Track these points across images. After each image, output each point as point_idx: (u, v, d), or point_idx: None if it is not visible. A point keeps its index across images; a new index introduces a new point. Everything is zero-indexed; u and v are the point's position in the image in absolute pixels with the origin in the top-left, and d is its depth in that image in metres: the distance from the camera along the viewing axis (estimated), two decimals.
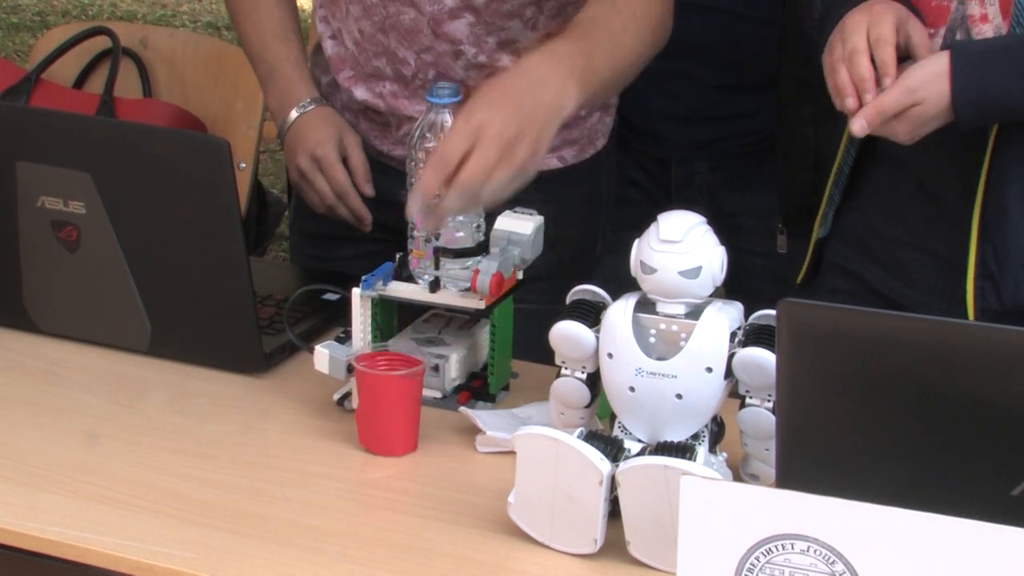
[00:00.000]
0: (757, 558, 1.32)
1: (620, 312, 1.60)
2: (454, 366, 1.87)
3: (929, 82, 1.75)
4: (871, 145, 2.00)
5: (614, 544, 1.54)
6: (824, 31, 1.87)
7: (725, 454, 1.63)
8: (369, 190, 2.18)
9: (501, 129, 1.71)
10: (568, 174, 2.19)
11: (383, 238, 2.21)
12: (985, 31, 1.79)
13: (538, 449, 1.54)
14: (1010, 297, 1.84)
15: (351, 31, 2.17)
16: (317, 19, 2.26)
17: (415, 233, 1.86)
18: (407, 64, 2.14)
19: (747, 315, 1.63)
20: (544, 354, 1.71)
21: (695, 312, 1.58)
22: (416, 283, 1.85)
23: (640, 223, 1.67)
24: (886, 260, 1.99)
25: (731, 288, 2.51)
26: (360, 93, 2.20)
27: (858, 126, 1.77)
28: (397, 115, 2.18)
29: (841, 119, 1.87)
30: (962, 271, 1.87)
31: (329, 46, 2.24)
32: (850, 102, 1.77)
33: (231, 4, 2.30)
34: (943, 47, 1.80)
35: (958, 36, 1.81)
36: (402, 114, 2.18)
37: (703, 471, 1.45)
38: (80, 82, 2.77)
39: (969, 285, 1.85)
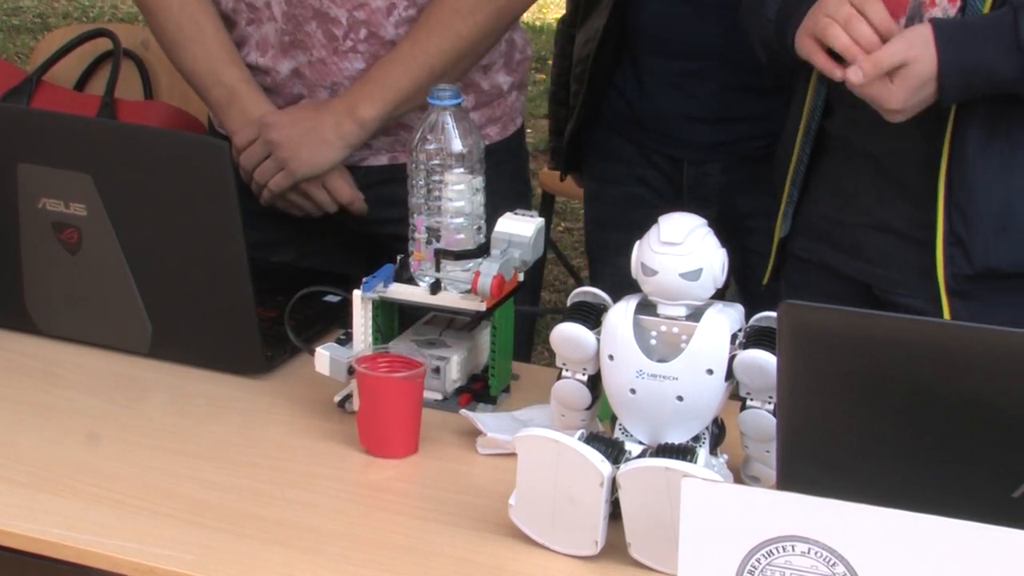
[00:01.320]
0: (758, 560, 1.32)
1: (621, 314, 1.60)
2: (455, 368, 1.86)
3: (918, 45, 1.78)
4: (821, 140, 2.03)
5: (615, 546, 1.54)
6: (786, 25, 1.90)
7: (726, 456, 1.63)
8: (360, 206, 2.26)
9: (269, 136, 2.20)
10: (494, 152, 2.22)
11: (318, 231, 2.30)
12: (935, 14, 1.82)
13: (539, 451, 1.54)
14: (980, 259, 1.87)
15: (279, 1, 2.19)
16: (228, 11, 2.27)
17: (415, 235, 1.86)
18: (339, 24, 2.17)
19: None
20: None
21: (696, 314, 1.58)
22: (417, 285, 1.85)
23: (650, 224, 1.67)
24: (848, 245, 2.03)
25: (740, 288, 2.52)
26: (285, 67, 2.23)
27: (854, 73, 1.79)
28: (324, 86, 2.21)
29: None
30: (927, 243, 1.90)
31: (249, 32, 2.25)
32: (863, 60, 1.78)
33: (169, 29, 2.28)
34: None
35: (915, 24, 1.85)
36: (330, 82, 2.20)
37: (704, 473, 1.45)
38: (81, 84, 2.77)
39: (939, 253, 1.87)
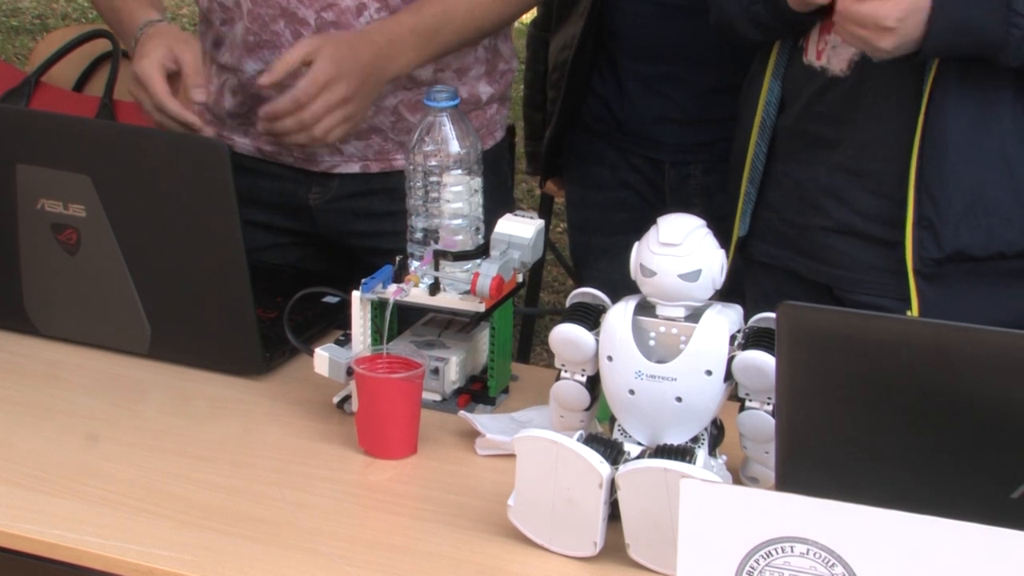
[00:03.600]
0: (757, 561, 1.32)
1: (620, 315, 1.60)
2: (454, 369, 1.87)
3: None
4: (773, 143, 2.05)
5: (614, 547, 1.54)
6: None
7: (725, 457, 1.63)
8: (199, 95, 2.08)
9: (344, 90, 2.03)
10: None
11: (297, 240, 2.29)
12: None
13: (538, 452, 1.54)
14: (950, 242, 1.89)
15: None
16: (204, 11, 2.25)
17: (414, 236, 1.86)
18: (307, 25, 2.15)
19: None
20: None
21: (695, 315, 1.58)
22: (416, 286, 1.85)
23: (633, 227, 1.68)
24: (808, 247, 2.03)
25: (723, 290, 2.52)
26: (251, 67, 2.19)
27: None
28: (292, 87, 2.15)
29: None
30: (889, 239, 1.92)
31: (224, 32, 2.23)
32: None
33: None
34: None
35: None
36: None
37: (703, 474, 1.45)
38: (80, 85, 2.77)
39: (908, 236, 1.89)
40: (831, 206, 1.99)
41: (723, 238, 1.61)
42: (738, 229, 2.11)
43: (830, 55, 1.94)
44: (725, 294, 1.73)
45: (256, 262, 1.92)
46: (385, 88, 2.15)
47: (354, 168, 2.23)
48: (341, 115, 2.03)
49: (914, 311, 1.91)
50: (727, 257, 2.09)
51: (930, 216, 1.88)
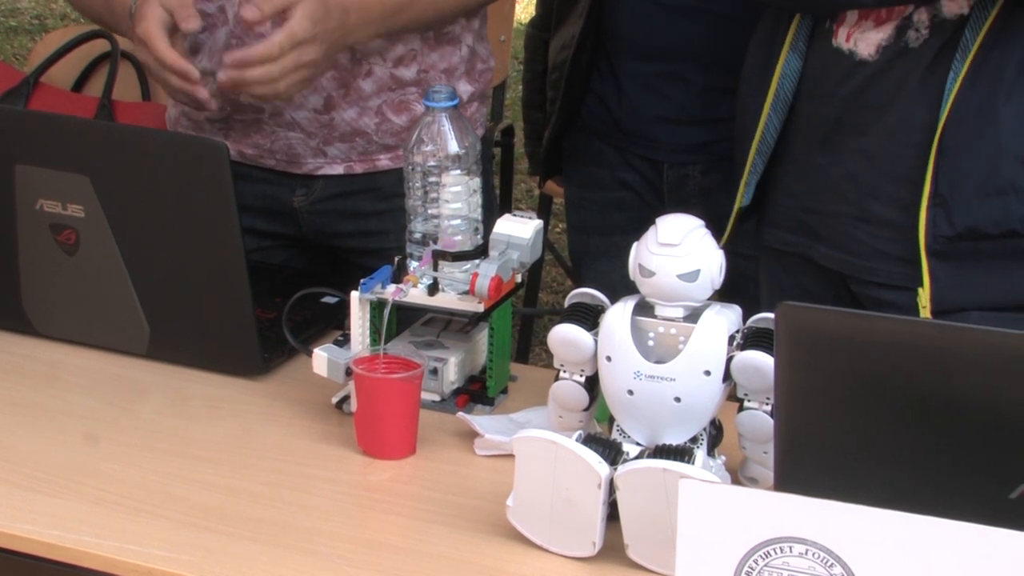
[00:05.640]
0: (756, 561, 1.32)
1: (618, 315, 1.60)
2: (452, 369, 1.87)
3: None
4: (793, 127, 2.03)
5: (613, 547, 1.54)
6: None
7: (723, 457, 1.63)
8: (192, 24, 2.03)
9: (314, 53, 2.01)
10: None
11: (280, 242, 2.28)
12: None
13: (537, 452, 1.54)
14: (962, 219, 1.87)
15: (232, 3, 2.13)
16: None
17: (413, 236, 1.86)
18: None
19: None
20: None
21: (694, 315, 1.58)
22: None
23: (632, 228, 1.67)
24: (826, 234, 2.02)
25: (722, 290, 2.52)
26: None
27: None
28: None
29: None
30: (906, 222, 1.90)
31: (202, 39, 2.19)
32: None
33: None
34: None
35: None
36: None
37: (701, 474, 1.45)
38: (79, 85, 2.77)
39: (922, 218, 1.88)
40: (852, 192, 1.97)
41: (722, 238, 1.61)
42: (741, 199, 2.09)
43: (858, 39, 1.92)
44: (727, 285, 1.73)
45: (255, 263, 1.92)
46: (369, 89, 2.15)
47: (337, 169, 2.23)
48: (305, 75, 2.02)
49: (925, 290, 1.89)
50: (726, 227, 2.09)
51: (944, 194, 1.87)
